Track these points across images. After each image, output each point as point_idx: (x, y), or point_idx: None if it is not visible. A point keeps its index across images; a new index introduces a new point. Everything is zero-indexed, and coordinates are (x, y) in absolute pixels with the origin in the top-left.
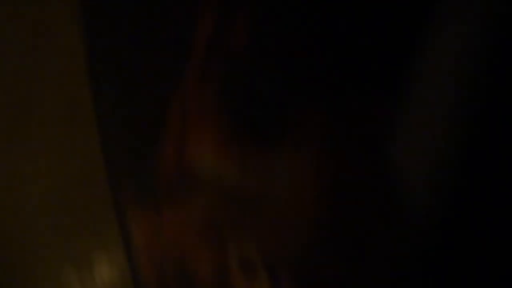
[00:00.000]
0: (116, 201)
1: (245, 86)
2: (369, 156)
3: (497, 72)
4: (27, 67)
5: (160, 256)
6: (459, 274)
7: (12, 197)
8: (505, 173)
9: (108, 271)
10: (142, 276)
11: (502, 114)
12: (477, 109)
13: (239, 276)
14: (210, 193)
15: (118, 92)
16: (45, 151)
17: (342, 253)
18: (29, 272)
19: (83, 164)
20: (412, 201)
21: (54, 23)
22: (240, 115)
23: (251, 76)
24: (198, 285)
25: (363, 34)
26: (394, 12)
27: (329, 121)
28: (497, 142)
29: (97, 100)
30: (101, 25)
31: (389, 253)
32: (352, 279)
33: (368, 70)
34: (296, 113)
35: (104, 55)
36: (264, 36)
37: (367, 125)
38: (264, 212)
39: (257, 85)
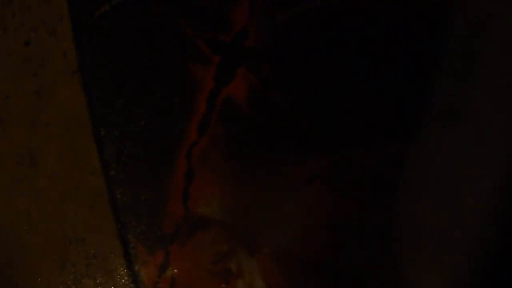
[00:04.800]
0: (124, 240)
1: (247, 136)
2: (363, 199)
3: None
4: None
5: None
6: None
7: (18, 232)
8: None
9: None
10: None
11: None
12: None
13: None
14: (216, 229)
15: (122, 143)
16: (51, 192)
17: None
18: None
19: (89, 209)
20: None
21: (55, 79)
22: (245, 161)
23: (253, 126)
24: None
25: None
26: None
27: (329, 166)
28: None
29: (101, 148)
30: (101, 78)
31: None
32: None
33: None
34: (297, 158)
35: (107, 109)
36: (262, 90)
37: (363, 174)
38: (268, 243)
39: (259, 135)
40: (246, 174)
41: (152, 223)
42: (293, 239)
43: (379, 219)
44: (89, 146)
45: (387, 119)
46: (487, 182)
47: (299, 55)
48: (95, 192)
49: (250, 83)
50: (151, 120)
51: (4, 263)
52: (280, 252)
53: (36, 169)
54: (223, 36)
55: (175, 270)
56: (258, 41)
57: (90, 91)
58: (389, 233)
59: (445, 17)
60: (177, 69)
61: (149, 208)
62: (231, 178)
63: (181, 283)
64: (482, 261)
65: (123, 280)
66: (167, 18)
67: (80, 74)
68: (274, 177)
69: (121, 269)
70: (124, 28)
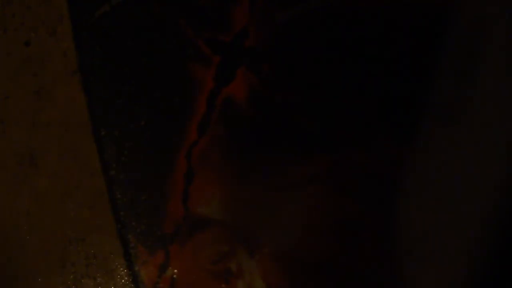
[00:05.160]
0: (124, 240)
1: (247, 136)
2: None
3: None
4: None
5: None
6: None
7: (18, 232)
8: None
9: None
10: None
11: None
12: None
13: None
14: (216, 229)
15: (122, 143)
16: (51, 192)
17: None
18: None
19: (89, 209)
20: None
21: (54, 79)
22: (245, 161)
23: (253, 126)
24: None
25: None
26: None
27: (329, 166)
28: None
29: (101, 148)
30: (101, 78)
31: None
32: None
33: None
34: (297, 158)
35: (107, 110)
36: (262, 86)
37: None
38: (268, 243)
39: (259, 135)
40: (246, 174)
41: (152, 223)
42: (293, 239)
43: (379, 219)
44: (89, 146)
45: (387, 119)
46: (487, 182)
47: (299, 55)
48: (95, 192)
49: (250, 83)
50: (151, 120)
51: (4, 263)
52: (280, 252)
53: (36, 169)
54: (223, 36)
55: (175, 270)
56: (258, 41)
57: (90, 91)
58: (389, 233)
59: (445, 17)
60: (177, 69)
61: (149, 208)
62: (231, 178)
63: (181, 283)
64: (482, 261)
65: (123, 280)
66: (167, 18)
67: (80, 74)
68: (274, 177)
69: (121, 269)
70: (124, 28)
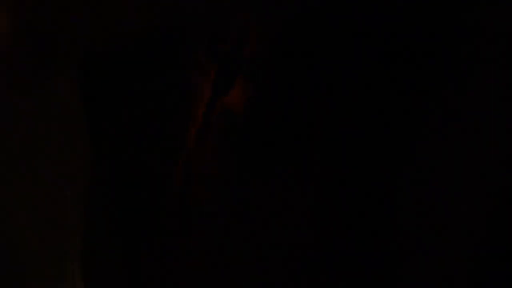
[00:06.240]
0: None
1: (246, 143)
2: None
3: None
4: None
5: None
6: None
7: (18, 233)
8: None
9: None
10: None
11: None
12: None
13: None
14: (216, 229)
15: (121, 144)
16: (51, 192)
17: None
18: None
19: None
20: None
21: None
22: (244, 167)
23: (252, 134)
24: None
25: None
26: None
27: (328, 166)
28: None
29: (97, 157)
30: (101, 91)
31: None
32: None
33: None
34: (297, 159)
35: (104, 116)
36: (261, 96)
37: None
38: (269, 243)
39: (258, 143)
40: (245, 180)
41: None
42: (293, 239)
43: (379, 218)
44: (89, 146)
45: (388, 119)
46: (487, 182)
47: (299, 61)
48: None
49: (249, 91)
50: (149, 127)
51: (3, 263)
52: (280, 251)
53: (37, 169)
54: (221, 44)
55: (170, 264)
56: (258, 49)
57: (90, 91)
58: (389, 233)
59: (445, 17)
60: (174, 77)
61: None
62: (230, 185)
63: (177, 277)
64: (482, 262)
65: None
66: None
67: (80, 74)
68: (274, 182)
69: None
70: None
